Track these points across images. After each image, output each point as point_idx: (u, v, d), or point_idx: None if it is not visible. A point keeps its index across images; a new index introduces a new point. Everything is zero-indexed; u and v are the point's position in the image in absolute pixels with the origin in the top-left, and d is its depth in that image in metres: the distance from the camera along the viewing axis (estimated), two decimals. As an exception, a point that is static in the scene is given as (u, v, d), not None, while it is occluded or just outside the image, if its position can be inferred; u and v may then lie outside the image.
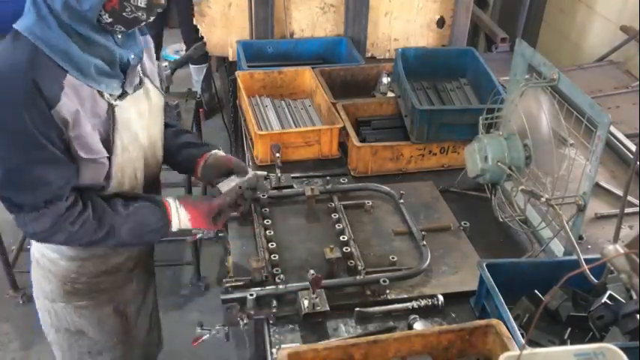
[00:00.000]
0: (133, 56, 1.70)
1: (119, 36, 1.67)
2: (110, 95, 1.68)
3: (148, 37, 1.89)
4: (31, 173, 1.59)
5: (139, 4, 1.59)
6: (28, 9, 1.60)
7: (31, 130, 1.53)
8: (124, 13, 1.59)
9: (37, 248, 1.90)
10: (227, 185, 1.90)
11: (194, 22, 3.35)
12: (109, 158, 1.70)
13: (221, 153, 2.02)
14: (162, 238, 1.85)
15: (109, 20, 1.60)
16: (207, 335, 1.81)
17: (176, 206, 1.82)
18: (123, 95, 1.71)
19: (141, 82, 1.78)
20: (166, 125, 2.00)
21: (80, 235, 1.68)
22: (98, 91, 1.65)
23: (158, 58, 5.15)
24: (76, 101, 1.59)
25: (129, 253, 1.97)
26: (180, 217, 1.82)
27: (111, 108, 1.68)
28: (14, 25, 1.61)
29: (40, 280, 1.93)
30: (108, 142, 1.70)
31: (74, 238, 1.69)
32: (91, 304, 1.96)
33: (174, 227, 1.82)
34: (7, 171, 1.60)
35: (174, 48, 5.46)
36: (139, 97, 1.78)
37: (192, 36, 5.00)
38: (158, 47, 5.22)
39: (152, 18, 1.66)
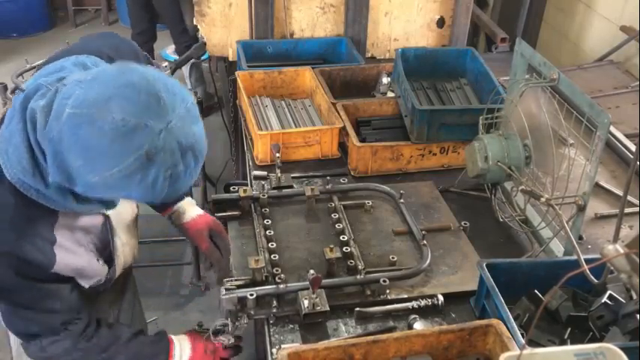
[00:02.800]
0: None
1: None
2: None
3: None
4: (36, 311, 1.55)
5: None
6: (17, 160, 1.37)
7: (31, 286, 1.48)
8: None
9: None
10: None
11: (191, 21, 3.35)
12: (111, 262, 1.69)
13: (187, 215, 1.93)
14: None
15: None
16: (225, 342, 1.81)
17: (180, 346, 1.76)
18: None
19: None
20: None
21: (95, 350, 1.65)
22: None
23: (151, 52, 5.14)
24: (68, 241, 1.52)
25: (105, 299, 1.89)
26: (182, 356, 1.76)
27: (106, 219, 1.64)
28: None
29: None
30: (106, 249, 1.67)
31: (88, 355, 1.65)
32: None
33: None
34: (6, 314, 1.56)
35: (174, 48, 5.46)
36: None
37: (179, 33, 5.02)
38: (152, 40, 5.18)
39: None
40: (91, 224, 1.60)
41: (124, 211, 1.73)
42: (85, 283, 1.62)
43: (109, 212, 1.63)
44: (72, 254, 1.53)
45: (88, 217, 1.58)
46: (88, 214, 1.57)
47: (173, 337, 1.79)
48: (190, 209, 1.97)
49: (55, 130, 1.27)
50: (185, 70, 4.95)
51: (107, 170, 1.25)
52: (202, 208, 2.64)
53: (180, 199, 1.94)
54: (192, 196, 2.03)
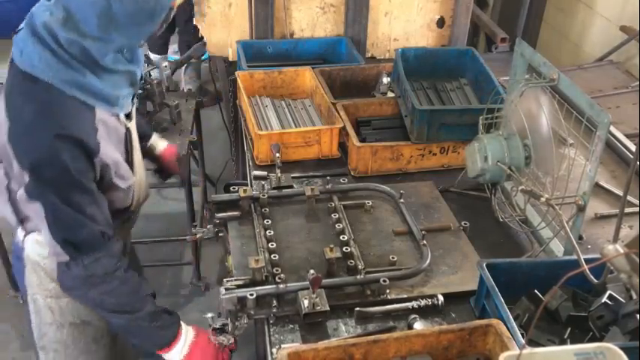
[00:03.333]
0: (142, 67, 1.81)
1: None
2: (125, 118, 1.77)
3: None
4: (80, 213, 1.65)
5: (169, 19, 1.68)
6: (38, 53, 1.58)
7: (77, 178, 1.61)
8: (157, 33, 1.70)
9: (33, 250, 1.88)
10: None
11: (194, 23, 3.35)
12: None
13: (160, 146, 2.33)
14: (158, 350, 1.85)
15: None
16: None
17: (184, 341, 1.84)
18: (130, 114, 1.80)
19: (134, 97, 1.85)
20: None
21: (122, 290, 1.75)
22: (117, 118, 1.73)
23: (166, 45, 5.23)
24: (106, 137, 1.68)
25: (122, 239, 1.98)
26: (181, 352, 1.83)
27: (128, 131, 1.78)
28: (33, 72, 1.59)
29: (41, 281, 1.93)
30: (130, 162, 1.80)
31: (117, 290, 1.74)
32: None
33: (175, 355, 1.83)
34: (59, 212, 1.64)
35: (174, 48, 5.46)
36: (134, 107, 1.87)
37: (188, 44, 5.08)
38: (163, 52, 5.24)
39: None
40: (120, 131, 1.75)
41: (135, 139, 1.88)
42: (122, 183, 1.76)
43: (129, 124, 1.79)
44: (110, 146, 1.70)
45: (115, 122, 1.72)
46: (115, 109, 1.71)
47: (182, 323, 1.86)
48: (160, 142, 2.35)
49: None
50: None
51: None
52: (202, 209, 2.70)
53: (149, 137, 2.28)
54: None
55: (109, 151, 1.68)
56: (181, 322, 1.86)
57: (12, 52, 1.63)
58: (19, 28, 1.65)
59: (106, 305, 1.78)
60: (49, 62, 1.57)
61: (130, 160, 1.80)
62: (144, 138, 2.18)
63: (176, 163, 2.37)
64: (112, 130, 1.70)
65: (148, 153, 2.26)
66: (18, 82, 1.60)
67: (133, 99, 1.79)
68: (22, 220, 1.82)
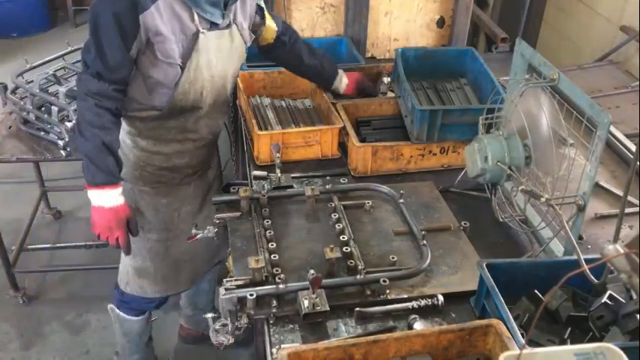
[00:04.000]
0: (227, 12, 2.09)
1: None
2: (201, 23, 2.04)
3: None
4: (95, 47, 1.97)
5: None
6: None
7: (113, 21, 1.92)
8: None
9: (122, 134, 2.22)
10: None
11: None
12: (182, 68, 2.06)
13: (344, 80, 2.67)
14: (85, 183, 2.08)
15: None
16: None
17: (99, 194, 2.06)
18: (211, 28, 2.08)
19: (229, 25, 2.14)
20: (300, 46, 2.55)
21: (87, 117, 2.02)
22: (190, 16, 2.01)
23: None
24: (166, 15, 1.97)
25: (189, 160, 2.36)
26: (97, 197, 2.07)
27: (197, 34, 2.04)
28: None
29: (123, 161, 2.20)
30: (186, 56, 2.06)
31: (86, 113, 2.02)
32: (151, 191, 2.36)
33: (90, 195, 2.07)
34: (89, 36, 2.00)
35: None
36: (223, 36, 2.14)
37: None
38: None
39: None
40: (187, 26, 2.04)
41: (212, 47, 2.12)
42: (161, 55, 2.02)
43: (203, 33, 2.06)
44: (162, 22, 1.97)
45: (187, 17, 2.02)
46: (195, 7, 2.02)
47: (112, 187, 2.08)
48: (342, 82, 2.68)
49: None
50: None
51: None
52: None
53: (334, 77, 2.65)
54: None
55: (159, 23, 1.96)
56: (119, 184, 2.09)
57: None
58: None
59: (79, 120, 2.08)
60: None
61: (186, 57, 2.06)
62: (328, 80, 2.63)
63: (360, 84, 2.68)
64: (177, 17, 1.99)
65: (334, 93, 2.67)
66: None
67: (223, 16, 2.09)
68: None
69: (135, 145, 2.28)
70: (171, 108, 2.15)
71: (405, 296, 1.81)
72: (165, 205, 2.40)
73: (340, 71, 2.66)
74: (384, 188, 2.24)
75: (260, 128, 2.52)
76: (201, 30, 2.05)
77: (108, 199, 2.06)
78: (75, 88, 2.28)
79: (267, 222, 2.07)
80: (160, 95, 2.12)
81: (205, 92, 2.19)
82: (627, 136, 2.65)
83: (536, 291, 1.70)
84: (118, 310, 2.69)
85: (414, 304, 1.77)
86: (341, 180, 2.32)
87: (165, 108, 2.15)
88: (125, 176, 2.26)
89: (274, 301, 1.75)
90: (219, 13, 2.07)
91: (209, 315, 1.79)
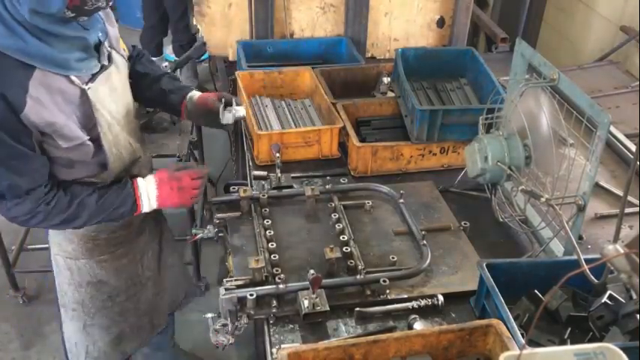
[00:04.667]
0: (100, 34, 1.84)
1: (84, 19, 1.74)
2: (81, 79, 1.78)
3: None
4: (5, 168, 1.75)
5: None
6: None
7: (4, 141, 1.69)
8: (85, 7, 1.67)
9: None
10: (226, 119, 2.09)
11: (193, 23, 3.36)
12: (93, 140, 1.85)
13: (196, 95, 2.19)
14: (133, 214, 1.98)
15: (72, 15, 1.67)
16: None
17: (146, 188, 1.96)
18: (94, 76, 1.82)
19: (109, 59, 1.89)
20: (144, 75, 2.18)
21: (55, 212, 1.85)
22: (67, 79, 1.75)
23: (160, 46, 5.27)
24: (44, 98, 1.70)
25: None
26: (149, 197, 1.97)
27: (84, 92, 1.79)
28: None
29: (61, 242, 2.13)
30: (89, 123, 1.83)
31: (50, 217, 1.85)
32: (110, 257, 2.18)
33: (145, 208, 1.97)
34: None
35: (169, 50, 5.46)
36: (109, 74, 1.89)
37: (177, 31, 5.11)
38: (162, 34, 5.24)
39: (111, 2, 1.75)
40: (70, 92, 1.77)
41: (105, 95, 1.88)
42: (63, 143, 1.79)
43: (89, 88, 1.80)
44: (45, 109, 1.71)
45: (65, 84, 1.75)
46: (66, 71, 1.74)
47: (139, 178, 1.97)
48: (197, 93, 2.21)
49: None
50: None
51: None
52: (202, 209, 2.75)
53: (189, 90, 2.21)
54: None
55: (43, 112, 1.71)
56: (137, 180, 1.96)
57: None
58: None
59: (55, 226, 1.94)
60: None
61: (88, 121, 1.83)
62: (183, 89, 2.21)
63: (213, 99, 2.17)
64: (55, 91, 1.73)
65: (188, 111, 2.21)
66: None
67: (100, 59, 1.84)
68: None
69: None
70: (114, 171, 1.97)
71: (405, 296, 1.81)
72: (126, 264, 2.24)
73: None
74: (384, 188, 2.24)
75: (260, 128, 2.52)
76: (86, 87, 1.79)
77: (151, 193, 1.96)
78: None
79: (267, 222, 2.07)
80: (86, 165, 1.91)
81: (132, 140, 2.02)
82: (627, 136, 2.65)
83: (536, 291, 1.71)
84: None
85: (414, 304, 1.77)
86: (341, 180, 2.32)
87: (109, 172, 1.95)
88: (77, 254, 2.12)
89: (274, 301, 1.75)
90: (94, 63, 1.82)
91: (209, 315, 1.79)
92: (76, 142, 1.81)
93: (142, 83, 2.17)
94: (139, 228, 2.24)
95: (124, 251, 2.21)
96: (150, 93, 2.19)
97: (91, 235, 2.09)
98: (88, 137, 1.83)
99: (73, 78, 1.76)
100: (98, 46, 1.84)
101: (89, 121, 1.83)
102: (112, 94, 1.92)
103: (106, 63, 1.86)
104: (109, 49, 1.89)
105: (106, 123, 1.88)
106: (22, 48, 1.65)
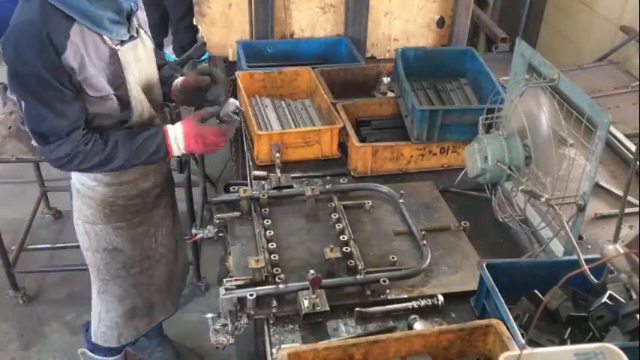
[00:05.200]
0: (132, 4, 2.00)
1: None
2: (112, 41, 1.94)
3: None
4: (50, 110, 1.89)
5: None
6: None
7: (44, 75, 1.82)
8: None
9: (77, 179, 2.20)
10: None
11: (193, 23, 3.36)
12: (118, 95, 1.99)
13: (179, 79, 2.28)
14: (165, 158, 2.10)
15: None
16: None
17: (174, 135, 2.05)
18: (123, 42, 1.98)
19: (137, 32, 2.06)
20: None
21: (93, 153, 1.97)
22: (101, 38, 1.92)
23: (160, 46, 5.29)
24: (81, 48, 1.86)
25: (154, 179, 2.27)
26: (178, 144, 2.05)
27: (114, 52, 1.96)
28: None
29: (81, 207, 2.23)
30: (117, 81, 1.98)
31: (89, 157, 1.97)
32: (127, 225, 2.28)
33: (176, 153, 2.07)
34: (29, 107, 1.92)
35: (169, 50, 5.46)
36: (136, 44, 2.05)
37: (176, 31, 5.12)
38: (162, 34, 5.26)
39: None
40: (102, 50, 1.93)
41: (132, 61, 2.03)
42: (91, 92, 1.93)
43: (119, 49, 1.96)
44: (81, 57, 1.86)
45: (99, 42, 1.92)
46: (100, 29, 1.90)
47: (168, 125, 2.07)
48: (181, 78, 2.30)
49: None
50: None
51: None
52: (202, 209, 2.74)
53: (176, 78, 2.29)
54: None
55: (79, 59, 1.86)
56: (166, 126, 2.06)
57: None
58: None
59: (92, 168, 2.02)
60: None
61: (116, 79, 1.97)
62: (171, 77, 2.30)
63: (187, 82, 2.26)
64: (90, 45, 1.89)
65: (175, 93, 2.31)
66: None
67: (129, 30, 2.00)
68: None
69: (98, 184, 2.17)
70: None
71: (405, 296, 1.81)
72: (141, 234, 2.34)
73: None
74: (384, 188, 2.24)
75: (260, 128, 2.52)
76: (117, 47, 1.96)
77: (179, 141, 2.04)
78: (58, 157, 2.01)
79: (267, 222, 2.07)
80: (107, 119, 2.05)
81: (150, 107, 2.13)
82: (627, 136, 2.65)
83: (536, 291, 1.71)
84: (91, 354, 2.63)
85: (414, 304, 1.77)
86: (341, 180, 2.32)
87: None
88: (95, 219, 2.23)
89: (274, 301, 1.75)
90: (124, 30, 1.98)
91: (209, 315, 1.79)
92: (103, 94, 1.95)
93: None
94: (155, 201, 2.34)
95: (140, 220, 2.30)
96: None
97: (108, 201, 2.20)
98: (114, 92, 1.98)
99: (106, 38, 1.92)
100: (129, 15, 2.00)
101: (117, 79, 1.98)
102: (138, 64, 2.06)
103: (135, 34, 2.02)
104: (137, 25, 2.05)
105: (134, 82, 2.02)
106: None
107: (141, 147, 2.02)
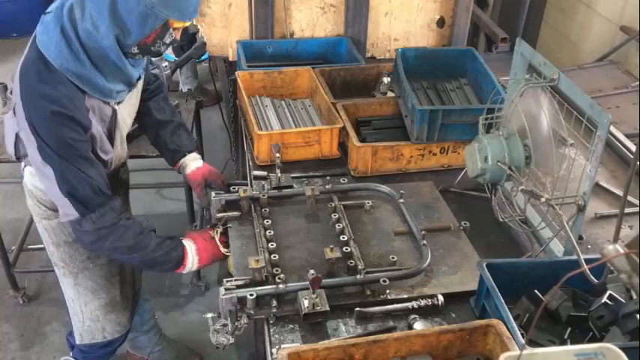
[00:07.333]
0: (141, 71, 2.05)
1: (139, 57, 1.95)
2: (113, 102, 1.98)
3: None
4: (86, 172, 1.89)
5: (166, 42, 1.89)
6: (56, 40, 1.81)
7: (75, 146, 1.86)
8: (152, 48, 1.89)
9: (28, 180, 2.17)
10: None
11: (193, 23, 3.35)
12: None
13: (189, 166, 2.37)
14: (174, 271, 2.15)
15: (136, 52, 1.89)
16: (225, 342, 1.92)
17: (192, 254, 2.11)
18: (121, 100, 2.01)
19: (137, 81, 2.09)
20: (164, 122, 2.37)
21: (130, 233, 1.99)
22: (104, 101, 1.95)
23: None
24: (95, 116, 1.92)
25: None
26: (193, 263, 2.12)
27: (114, 112, 2.00)
28: (47, 55, 1.83)
29: (34, 206, 2.22)
30: (110, 140, 2.02)
31: (124, 236, 1.98)
32: None
33: (186, 271, 2.14)
34: (65, 174, 1.88)
35: (169, 50, 5.46)
36: (132, 94, 2.08)
37: (181, 45, 5.13)
38: None
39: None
40: (104, 111, 1.98)
41: (125, 119, 2.11)
42: (103, 156, 2.00)
43: (118, 107, 2.01)
44: (97, 123, 1.94)
45: (102, 104, 1.96)
46: (107, 99, 1.96)
47: (185, 243, 2.11)
48: (192, 164, 2.38)
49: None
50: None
51: None
52: (202, 209, 2.74)
53: (183, 155, 2.38)
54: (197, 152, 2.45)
55: (96, 129, 1.93)
56: (182, 240, 2.12)
57: (37, 28, 1.87)
58: (49, 10, 1.87)
59: (120, 250, 2.01)
60: (62, 51, 1.82)
61: (111, 136, 2.05)
62: (178, 153, 2.38)
63: (198, 187, 2.37)
64: (97, 110, 1.95)
65: (180, 172, 2.43)
66: (33, 58, 1.86)
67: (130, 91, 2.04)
68: (19, 158, 2.14)
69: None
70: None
71: (405, 296, 1.81)
72: None
73: (196, 154, 2.42)
74: (384, 188, 2.24)
75: (260, 128, 2.52)
76: (116, 107, 2.02)
77: (195, 258, 2.11)
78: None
79: (267, 222, 2.07)
80: None
81: (125, 144, 2.20)
82: (627, 136, 2.65)
83: (536, 291, 1.71)
84: None
85: (414, 304, 1.77)
86: (341, 180, 2.32)
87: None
88: (49, 214, 2.20)
89: (274, 301, 1.75)
90: (126, 93, 2.03)
91: (209, 315, 1.79)
92: (111, 155, 2.04)
93: (146, 120, 2.37)
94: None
95: None
96: (151, 135, 2.42)
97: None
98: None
99: (110, 101, 1.97)
100: (135, 82, 2.05)
101: (109, 136, 2.03)
102: (130, 110, 2.13)
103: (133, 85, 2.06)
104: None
105: (120, 138, 2.08)
106: (80, 73, 1.84)
107: (160, 252, 2.05)
